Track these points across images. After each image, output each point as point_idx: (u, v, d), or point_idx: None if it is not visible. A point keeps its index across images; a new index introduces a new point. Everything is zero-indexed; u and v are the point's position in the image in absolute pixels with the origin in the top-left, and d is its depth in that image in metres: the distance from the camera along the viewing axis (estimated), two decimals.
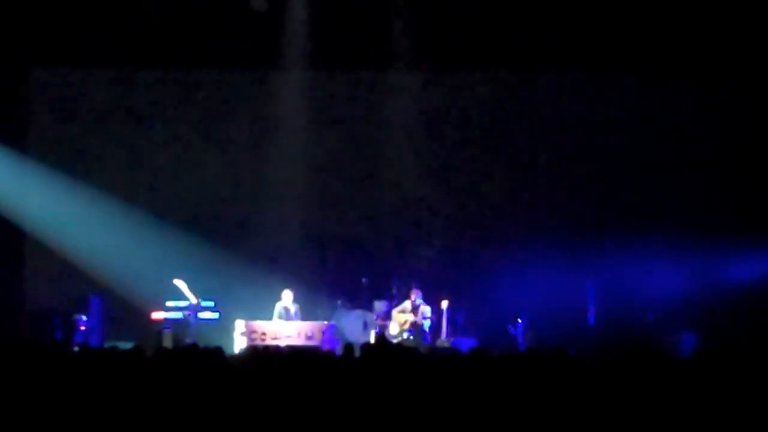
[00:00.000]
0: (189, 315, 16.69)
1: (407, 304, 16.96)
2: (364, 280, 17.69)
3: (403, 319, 16.87)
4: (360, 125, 18.85)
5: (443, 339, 16.65)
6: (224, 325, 16.50)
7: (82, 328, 17.13)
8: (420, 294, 16.90)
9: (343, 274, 18.32)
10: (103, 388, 7.87)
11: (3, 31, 17.37)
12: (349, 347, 10.20)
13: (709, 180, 18.36)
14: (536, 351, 10.35)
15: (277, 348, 12.46)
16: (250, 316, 16.49)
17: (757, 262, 17.40)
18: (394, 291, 17.57)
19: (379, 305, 17.51)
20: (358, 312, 17.52)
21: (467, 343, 16.07)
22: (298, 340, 16.06)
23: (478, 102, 18.80)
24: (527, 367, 8.27)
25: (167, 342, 16.15)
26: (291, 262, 18.23)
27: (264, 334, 16.15)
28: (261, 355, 9.02)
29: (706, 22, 17.23)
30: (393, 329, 16.79)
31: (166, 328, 16.65)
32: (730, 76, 18.03)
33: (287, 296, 16.92)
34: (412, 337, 16.64)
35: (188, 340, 15.28)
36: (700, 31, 17.31)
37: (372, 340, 16.22)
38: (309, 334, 16.23)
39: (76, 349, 12.06)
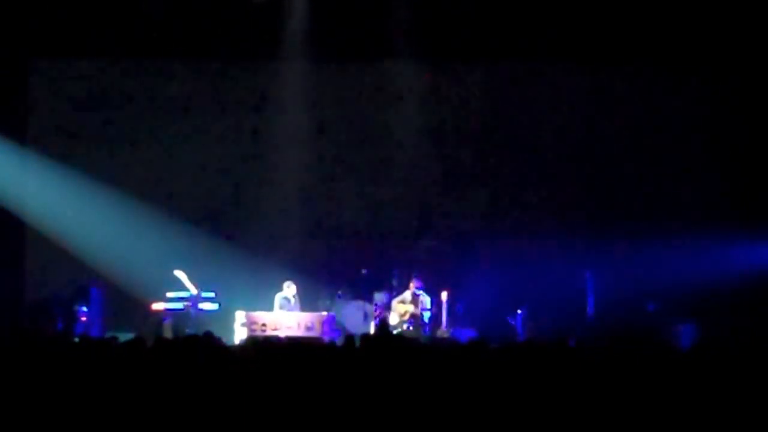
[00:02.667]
0: (189, 306, 16.72)
1: (407, 295, 16.98)
2: (364, 271, 17.71)
3: (402, 309, 16.89)
4: (361, 116, 18.85)
5: (443, 330, 16.67)
6: (224, 316, 16.53)
7: (83, 318, 17.16)
8: (420, 283, 16.91)
9: (343, 265, 18.34)
10: (104, 379, 7.89)
11: (3, 21, 17.35)
12: (349, 338, 10.22)
13: (709, 170, 18.37)
14: (535, 342, 10.37)
15: (277, 339, 12.50)
16: (251, 307, 16.53)
17: (757, 253, 17.41)
18: (394, 282, 17.58)
19: (379, 296, 17.53)
20: (358, 303, 17.56)
21: (467, 334, 16.11)
22: (298, 331, 16.09)
23: (480, 93, 18.80)
24: (526, 357, 8.29)
25: (167, 333, 16.19)
26: (291, 253, 18.25)
27: (264, 325, 16.18)
28: (261, 346, 9.04)
29: (706, 15, 17.22)
30: (393, 320, 16.80)
31: (166, 318, 16.69)
32: (730, 68, 18.05)
33: (288, 287, 16.94)
34: (411, 328, 16.66)
35: (188, 331, 15.31)
36: (700, 24, 17.31)
37: (372, 330, 16.25)
38: (309, 325, 16.26)
39: (76, 339, 12.06)
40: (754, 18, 17.26)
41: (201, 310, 16.75)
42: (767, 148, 17.99)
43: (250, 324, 16.17)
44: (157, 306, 16.79)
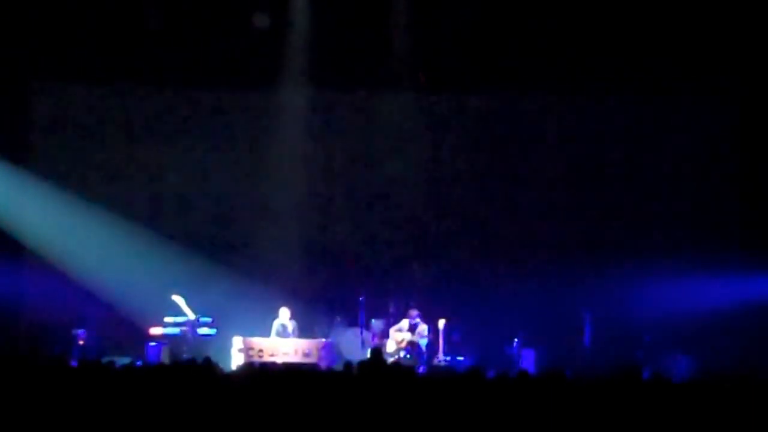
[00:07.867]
0: (187, 331, 16.71)
1: (404, 323, 16.96)
2: (361, 298, 17.71)
3: (400, 337, 16.88)
4: (359, 143, 18.91)
5: (440, 357, 16.67)
6: (222, 342, 16.52)
7: (80, 342, 17.14)
8: (418, 314, 16.91)
9: (340, 292, 18.33)
10: (101, 403, 7.90)
11: (4, 44, 17.43)
12: (347, 365, 10.24)
13: (704, 203, 18.40)
14: (532, 371, 10.40)
15: (274, 365, 12.50)
16: (248, 333, 16.51)
17: (752, 285, 17.43)
18: (392, 309, 17.59)
19: (377, 324, 17.54)
20: (356, 330, 17.54)
21: (464, 362, 16.11)
22: (295, 358, 16.09)
23: (477, 121, 18.87)
24: (523, 386, 8.30)
25: (165, 358, 16.18)
26: (289, 280, 18.25)
27: (261, 351, 16.17)
28: (258, 372, 9.05)
29: (699, 33, 17.32)
30: (390, 348, 16.79)
31: (163, 343, 16.67)
32: (725, 92, 18.11)
33: (284, 313, 16.95)
34: (409, 356, 16.65)
35: (186, 356, 15.30)
36: (694, 46, 17.41)
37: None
38: (306, 351, 16.26)
39: (74, 363, 12.05)
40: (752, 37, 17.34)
41: (198, 335, 16.75)
42: (760, 185, 18.02)
43: (247, 350, 16.15)
44: (155, 331, 16.78)
